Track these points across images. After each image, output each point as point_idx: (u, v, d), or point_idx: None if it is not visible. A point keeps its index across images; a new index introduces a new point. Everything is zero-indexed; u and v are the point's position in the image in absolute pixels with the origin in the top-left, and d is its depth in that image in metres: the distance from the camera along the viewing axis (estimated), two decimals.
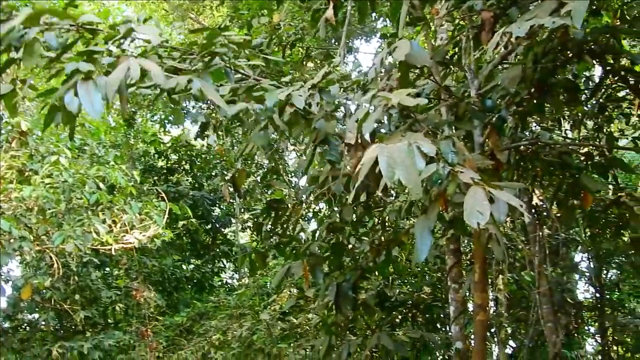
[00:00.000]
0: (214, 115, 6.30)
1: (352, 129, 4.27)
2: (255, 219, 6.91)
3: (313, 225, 9.80)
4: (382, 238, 7.56)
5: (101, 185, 10.33)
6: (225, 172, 18.09)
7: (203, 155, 19.70)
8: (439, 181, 3.59)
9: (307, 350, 9.77)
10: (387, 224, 8.31)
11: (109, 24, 4.41)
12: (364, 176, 3.34)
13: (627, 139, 9.77)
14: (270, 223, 6.72)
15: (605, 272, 11.95)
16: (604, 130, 8.07)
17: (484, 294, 5.55)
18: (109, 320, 13.69)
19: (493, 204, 3.26)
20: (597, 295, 11.37)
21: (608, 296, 12.56)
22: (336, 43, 14.12)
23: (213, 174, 19.57)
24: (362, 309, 7.42)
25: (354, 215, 6.80)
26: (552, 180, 6.68)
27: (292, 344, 10.47)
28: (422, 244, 3.66)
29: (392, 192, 8.70)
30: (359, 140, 4.88)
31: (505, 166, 6.28)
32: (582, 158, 6.42)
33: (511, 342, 12.09)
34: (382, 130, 5.17)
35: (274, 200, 6.79)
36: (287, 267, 6.45)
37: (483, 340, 5.67)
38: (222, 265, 21.03)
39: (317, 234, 7.06)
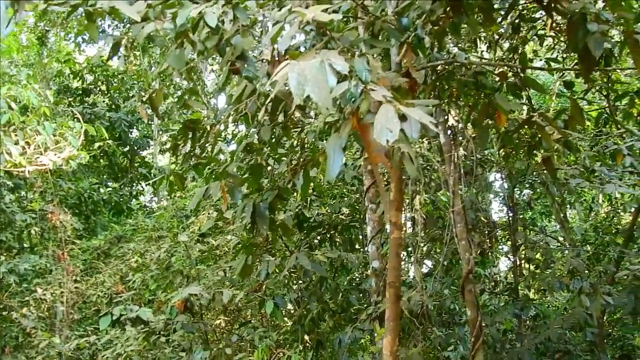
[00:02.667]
0: (128, 34, 6.12)
1: (269, 45, 4.21)
2: (173, 140, 6.79)
3: (233, 147, 9.76)
4: (301, 159, 7.56)
5: (13, 105, 10.04)
6: (143, 93, 17.78)
7: (120, 76, 19.30)
8: (352, 99, 3.58)
9: (226, 272, 9.80)
10: (305, 145, 8.32)
11: None
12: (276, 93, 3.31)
13: (541, 60, 9.96)
14: (187, 144, 6.63)
15: (518, 192, 12.24)
16: (519, 52, 8.18)
17: (398, 213, 5.64)
18: (24, 244, 13.47)
19: (405, 121, 3.26)
20: (510, 214, 11.66)
21: (521, 215, 12.92)
22: None
23: (130, 95, 19.21)
24: (280, 229, 7.42)
25: (273, 136, 6.76)
26: (467, 101, 6.75)
27: (210, 266, 10.49)
28: (334, 162, 3.65)
29: (312, 112, 8.69)
30: (276, 57, 4.83)
31: (421, 86, 6.32)
32: (497, 79, 6.49)
33: (427, 261, 12.38)
34: (302, 49, 5.14)
35: (190, 121, 6.67)
36: (204, 188, 6.40)
37: (397, 258, 5.77)
38: (141, 189, 20.88)
39: (235, 155, 7.00)
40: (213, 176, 6.62)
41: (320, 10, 3.71)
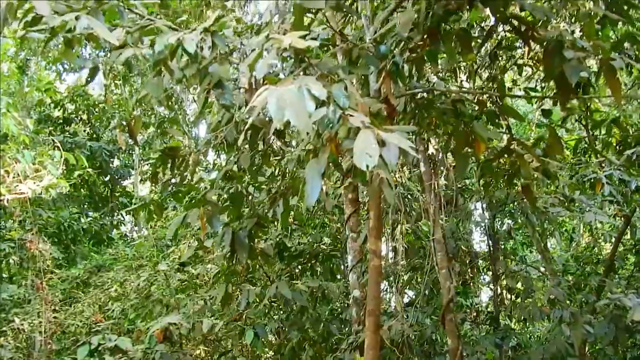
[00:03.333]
0: (106, 60, 6.12)
1: (246, 73, 4.21)
2: (153, 168, 6.77)
3: (214, 175, 9.74)
4: (281, 187, 7.56)
5: None
6: (124, 123, 17.78)
7: (101, 105, 19.28)
8: (330, 125, 3.58)
9: (206, 301, 9.74)
10: (286, 173, 8.31)
11: None
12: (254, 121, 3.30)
13: (520, 89, 10.04)
14: (167, 172, 6.61)
15: (498, 221, 12.28)
16: (498, 81, 8.24)
17: (378, 241, 5.62)
18: (2, 274, 13.34)
19: (384, 147, 3.26)
20: (491, 243, 11.69)
21: (502, 245, 12.95)
22: None
23: (111, 124, 19.19)
24: (260, 258, 7.40)
25: (253, 164, 6.74)
26: (446, 129, 6.77)
27: (190, 295, 10.43)
28: (313, 187, 3.65)
29: (292, 142, 8.68)
30: (254, 85, 4.84)
31: (400, 114, 6.35)
32: (476, 107, 6.52)
33: (409, 291, 12.37)
34: (281, 76, 5.14)
35: (169, 149, 6.65)
36: (183, 215, 6.37)
37: (377, 286, 5.75)
38: (122, 218, 20.80)
39: (215, 183, 6.98)
40: (192, 203, 6.59)
41: (298, 37, 3.72)
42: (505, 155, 6.44)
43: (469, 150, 6.19)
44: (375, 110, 4.74)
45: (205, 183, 7.61)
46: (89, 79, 5.56)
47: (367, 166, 3.11)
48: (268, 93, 3.21)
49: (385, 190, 4.29)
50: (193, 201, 6.67)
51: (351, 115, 3.46)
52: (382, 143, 3.24)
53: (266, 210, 6.91)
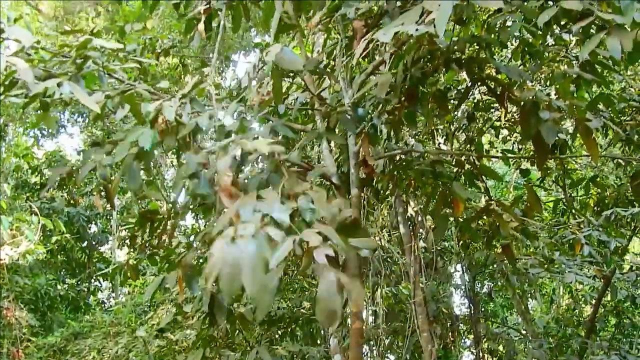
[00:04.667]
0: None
1: (224, 169, 4.16)
2: (131, 231, 6.72)
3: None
4: None
5: None
6: (102, 188, 17.69)
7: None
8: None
9: None
10: None
11: None
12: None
13: (497, 151, 10.13)
14: (144, 234, 6.55)
15: (478, 284, 12.28)
16: (475, 142, 8.32)
17: (357, 304, 5.57)
18: None
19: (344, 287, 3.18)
20: (471, 305, 11.66)
21: (482, 308, 12.91)
22: (212, 55, 14.10)
23: (89, 190, 19.12)
24: (239, 322, 7.31)
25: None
26: (425, 190, 6.80)
27: None
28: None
29: None
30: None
31: (379, 176, 6.37)
32: (454, 169, 6.57)
33: (390, 355, 12.26)
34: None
35: (148, 211, 6.62)
36: (161, 278, 6.31)
37: (359, 348, 5.67)
38: (99, 285, 20.59)
39: (192, 246, 6.92)
40: (169, 266, 6.53)
41: (265, 143, 3.67)
42: (484, 216, 6.47)
43: (448, 210, 6.21)
44: (344, 218, 4.68)
45: (183, 247, 7.56)
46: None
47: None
48: (223, 255, 3.05)
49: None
50: (169, 265, 6.62)
51: (315, 248, 3.32)
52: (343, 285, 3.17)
53: None
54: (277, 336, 10.80)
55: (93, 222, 19.91)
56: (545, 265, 9.94)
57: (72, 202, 19.21)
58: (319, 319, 3.03)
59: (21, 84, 4.11)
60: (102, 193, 6.26)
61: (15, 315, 12.25)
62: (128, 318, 13.26)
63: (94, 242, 20.12)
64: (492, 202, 6.28)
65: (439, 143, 9.66)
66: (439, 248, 10.67)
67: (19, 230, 10.65)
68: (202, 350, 7.20)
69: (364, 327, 7.10)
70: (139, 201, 17.63)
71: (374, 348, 10.40)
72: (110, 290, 21.24)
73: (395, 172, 6.54)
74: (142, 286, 14.45)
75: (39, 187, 18.73)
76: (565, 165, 9.30)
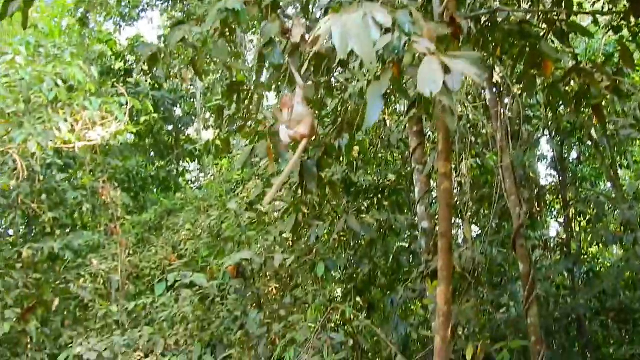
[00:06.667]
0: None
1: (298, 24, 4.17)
2: (218, 104, 6.82)
3: None
4: (345, 120, 7.55)
5: (59, 82, 10.15)
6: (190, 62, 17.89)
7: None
8: (396, 52, 3.56)
9: (276, 238, 9.83)
10: (349, 106, 8.29)
11: None
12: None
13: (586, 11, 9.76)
14: (232, 106, 6.64)
15: (566, 150, 12.09)
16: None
17: (447, 163, 5.58)
18: (76, 222, 13.66)
19: (448, 74, 3.24)
20: (559, 171, 11.51)
21: (571, 174, 12.75)
22: None
23: (172, 73, 19.34)
24: (328, 189, 7.43)
25: (316, 96, 6.73)
26: (512, 53, 6.65)
27: (260, 232, 10.53)
28: (373, 108, 3.65)
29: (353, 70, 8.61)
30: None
31: (465, 37, 6.25)
32: (543, 26, 6.39)
33: (475, 227, 12.25)
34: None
35: (234, 83, 6.68)
36: (251, 147, 6.43)
37: (448, 208, 5.70)
38: (187, 166, 21.08)
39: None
40: (259, 137, 6.63)
41: None
42: (574, 77, 6.33)
43: (536, 71, 6.09)
44: (441, 35, 4.68)
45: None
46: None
47: (431, 93, 3.10)
48: (332, 22, 3.20)
49: (446, 117, 4.24)
50: (258, 134, 6.71)
51: (416, 42, 3.43)
52: (446, 69, 3.22)
53: (332, 140, 6.92)
54: (363, 208, 10.91)
55: (178, 105, 20.21)
56: (638, 128, 9.72)
57: (156, 85, 19.49)
58: (419, 86, 3.12)
59: None
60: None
61: (110, 195, 12.65)
62: (219, 191, 13.60)
63: (179, 125, 20.48)
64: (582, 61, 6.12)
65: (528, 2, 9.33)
66: (526, 114, 10.47)
67: (109, 111, 10.89)
68: (294, 216, 7.37)
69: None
70: (222, 81, 17.79)
71: (460, 215, 10.39)
72: (199, 171, 21.75)
73: (481, 36, 6.39)
74: (230, 161, 14.74)
75: (123, 72, 19.03)
76: None
